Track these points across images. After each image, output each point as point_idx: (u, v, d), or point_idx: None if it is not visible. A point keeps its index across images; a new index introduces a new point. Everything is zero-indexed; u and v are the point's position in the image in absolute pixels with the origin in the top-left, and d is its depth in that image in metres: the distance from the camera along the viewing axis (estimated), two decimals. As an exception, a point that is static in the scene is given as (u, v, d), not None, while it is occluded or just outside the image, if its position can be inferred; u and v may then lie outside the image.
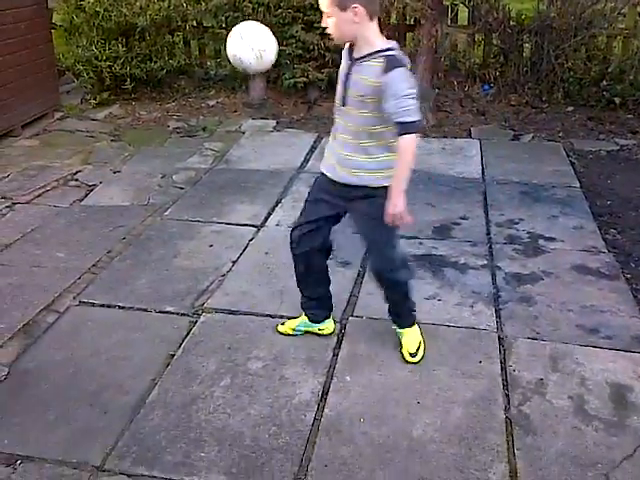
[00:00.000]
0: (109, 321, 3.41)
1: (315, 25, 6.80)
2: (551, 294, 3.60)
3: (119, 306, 3.54)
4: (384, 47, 2.58)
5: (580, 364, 3.03)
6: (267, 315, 3.41)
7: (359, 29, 2.58)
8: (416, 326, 3.16)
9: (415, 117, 2.53)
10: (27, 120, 6.59)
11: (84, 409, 2.78)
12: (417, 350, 3.07)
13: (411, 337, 3.12)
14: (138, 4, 6.91)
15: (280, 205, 4.76)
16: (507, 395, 2.84)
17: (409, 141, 2.54)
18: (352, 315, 3.42)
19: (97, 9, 6.85)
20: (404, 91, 2.50)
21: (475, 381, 2.92)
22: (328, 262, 3.20)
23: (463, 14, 7.86)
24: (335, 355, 3.10)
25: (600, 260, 3.97)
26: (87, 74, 7.16)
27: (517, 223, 4.48)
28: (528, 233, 4.33)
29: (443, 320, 3.36)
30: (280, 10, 6.90)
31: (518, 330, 3.29)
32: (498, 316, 3.40)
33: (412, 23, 7.50)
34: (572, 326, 3.32)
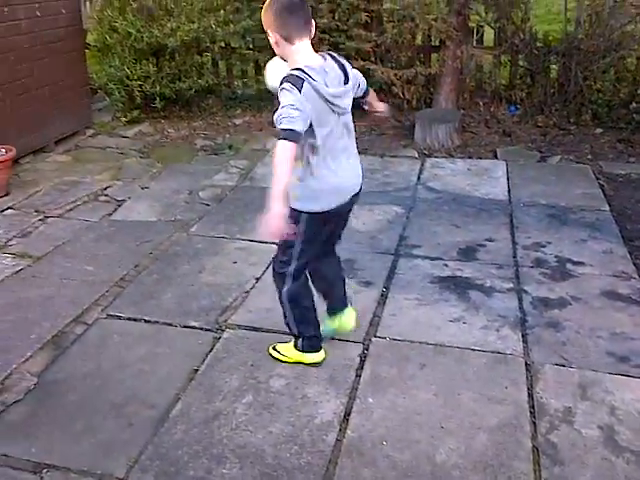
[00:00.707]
0: (135, 334, 3.45)
1: (340, 47, 6.87)
2: (580, 320, 3.55)
3: (145, 320, 3.58)
4: (295, 67, 2.66)
5: (610, 393, 2.96)
6: (290, 333, 3.41)
7: (282, 51, 2.76)
8: (295, 351, 3.18)
9: (284, 126, 2.52)
10: (60, 137, 6.74)
11: (109, 421, 2.81)
12: (281, 354, 3.20)
13: (285, 349, 3.22)
14: (169, 26, 7.03)
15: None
16: (534, 422, 2.79)
17: (278, 145, 2.54)
18: (375, 336, 3.41)
19: (130, 30, 6.99)
20: (282, 103, 2.57)
21: (501, 407, 2.88)
22: (350, 282, 3.25)
23: (489, 35, 7.87)
24: (358, 376, 3.10)
25: (631, 286, 3.90)
26: (118, 93, 7.30)
27: (544, 246, 4.44)
28: (556, 257, 4.29)
29: (468, 344, 3.33)
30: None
31: (545, 356, 3.24)
32: (525, 341, 3.36)
33: (437, 44, 7.53)
34: (602, 353, 3.25)
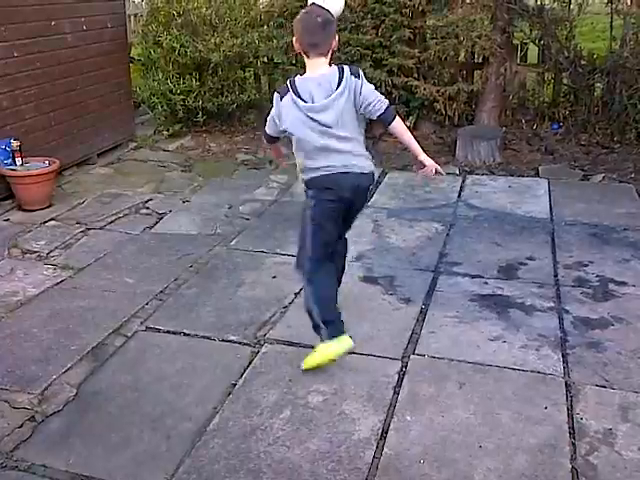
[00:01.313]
0: (174, 347, 3.48)
1: (384, 63, 6.89)
2: (621, 341, 3.48)
3: (184, 333, 3.61)
4: (297, 76, 3.12)
5: (651, 415, 2.91)
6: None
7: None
8: (322, 351, 3.16)
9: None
10: (103, 149, 6.88)
11: (147, 433, 2.83)
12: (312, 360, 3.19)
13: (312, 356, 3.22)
14: (213, 41, 7.14)
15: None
16: (573, 444, 2.74)
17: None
18: (414, 353, 3.38)
19: (174, 45, 7.12)
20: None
21: (540, 427, 2.83)
22: (390, 299, 3.48)
23: (533, 52, 7.81)
24: (396, 393, 3.07)
25: (674, 307, 3.83)
26: (161, 106, 7.44)
27: (586, 266, 4.37)
28: (598, 276, 4.21)
29: (508, 363, 3.28)
30: (350, 47, 7.01)
31: (586, 377, 3.18)
32: (565, 361, 3.30)
33: (480, 61, 7.50)
34: (644, 375, 3.19)
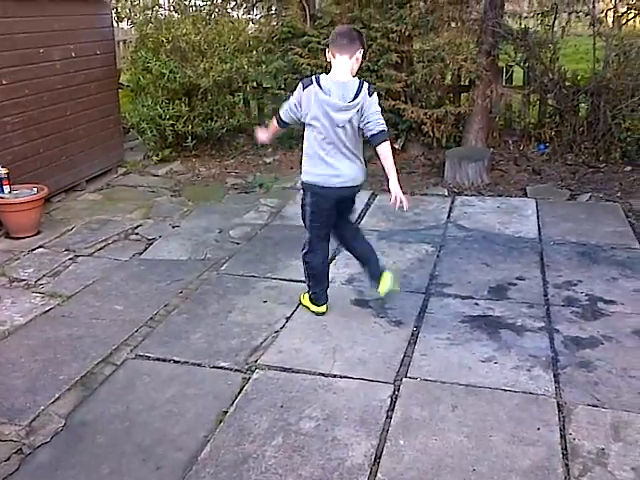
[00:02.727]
0: (164, 375, 3.45)
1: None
2: (612, 359, 3.49)
3: (174, 360, 3.58)
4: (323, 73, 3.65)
5: (644, 434, 2.91)
6: (320, 374, 3.39)
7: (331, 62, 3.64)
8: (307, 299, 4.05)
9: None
10: (92, 175, 6.88)
11: (137, 464, 2.80)
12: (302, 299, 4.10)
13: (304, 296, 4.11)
14: (202, 66, 7.19)
15: (334, 262, 4.77)
16: (567, 465, 2.73)
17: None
18: (406, 376, 3.37)
19: (163, 71, 7.15)
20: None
21: (533, 449, 2.82)
22: (381, 321, 3.89)
23: (518, 75, 7.91)
24: (389, 417, 3.05)
25: (663, 325, 3.84)
26: (151, 132, 7.45)
27: (575, 285, 4.38)
28: (587, 295, 4.23)
29: (500, 384, 3.28)
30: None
31: (578, 396, 3.18)
32: (557, 381, 3.30)
33: (467, 84, 7.59)
34: (634, 393, 3.19)
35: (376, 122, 3.55)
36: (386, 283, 3.86)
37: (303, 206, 3.88)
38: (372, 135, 3.57)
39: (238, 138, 8.21)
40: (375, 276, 3.92)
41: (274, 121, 3.87)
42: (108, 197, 6.55)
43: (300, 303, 4.14)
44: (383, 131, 3.56)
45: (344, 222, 3.96)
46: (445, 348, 3.63)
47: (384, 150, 3.58)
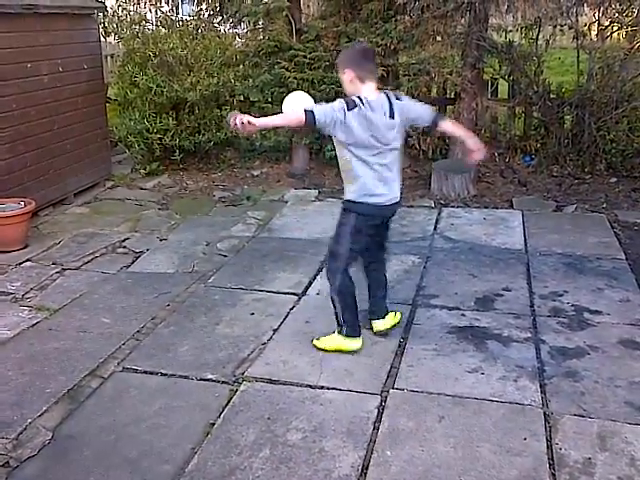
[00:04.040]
0: (151, 388, 3.44)
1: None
2: (598, 369, 3.52)
3: (161, 373, 3.58)
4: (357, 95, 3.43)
5: (630, 443, 2.92)
6: (307, 385, 3.40)
7: (354, 87, 3.43)
8: (336, 340, 3.73)
9: (314, 108, 3.33)
10: (80, 189, 6.86)
11: (124, 476, 2.79)
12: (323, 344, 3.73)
13: (326, 340, 3.76)
14: (189, 80, 7.21)
15: (321, 274, 4.79)
16: (553, 474, 2.75)
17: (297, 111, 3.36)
18: (393, 387, 3.38)
19: (150, 85, 7.17)
20: None
21: (520, 459, 2.84)
22: (368, 333, 3.78)
23: (504, 87, 7.98)
24: (376, 429, 3.06)
25: (648, 335, 3.87)
26: (138, 145, 7.45)
27: (561, 295, 4.42)
28: (573, 306, 4.26)
29: (487, 395, 3.29)
30: (324, 86, 7.13)
31: (564, 406, 3.20)
32: (543, 391, 3.32)
33: (452, 97, 7.65)
34: (620, 403, 3.22)
35: (423, 111, 3.65)
36: (385, 325, 3.88)
37: (343, 227, 3.60)
38: (431, 120, 3.66)
39: (225, 151, 8.23)
40: (372, 312, 3.92)
41: (292, 115, 3.42)
42: (96, 210, 6.54)
43: (324, 350, 3.72)
44: (437, 114, 3.75)
45: (381, 243, 3.87)
46: (432, 359, 3.64)
47: (448, 124, 3.74)
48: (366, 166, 3.41)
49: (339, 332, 3.69)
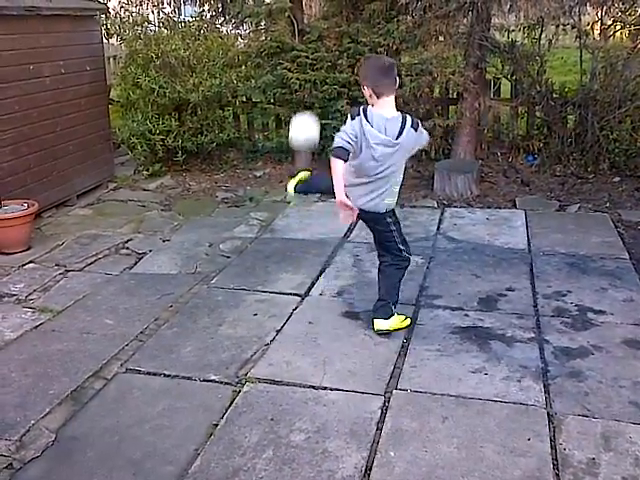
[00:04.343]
0: (154, 389, 3.44)
1: (359, 100, 6.98)
2: (602, 369, 3.50)
3: (164, 374, 3.58)
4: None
5: (634, 443, 2.91)
6: (310, 386, 3.40)
7: (371, 101, 3.57)
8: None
9: (336, 144, 3.48)
10: (83, 190, 6.87)
11: (128, 478, 2.79)
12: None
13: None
14: (191, 81, 7.22)
15: (324, 274, 4.80)
16: (557, 475, 2.74)
17: (332, 160, 3.49)
18: (396, 388, 3.38)
19: (153, 86, 7.18)
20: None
21: (524, 459, 2.83)
22: (371, 333, 3.85)
23: (506, 87, 7.97)
24: (379, 429, 3.06)
25: (652, 334, 3.86)
26: (141, 147, 7.46)
27: (565, 295, 4.41)
28: (576, 306, 4.25)
29: (490, 395, 3.28)
30: (326, 86, 7.13)
31: (568, 406, 3.19)
32: (547, 392, 3.32)
33: (455, 97, 7.64)
34: (625, 403, 3.20)
35: (424, 136, 3.79)
36: (391, 325, 3.91)
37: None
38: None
39: (228, 152, 8.24)
40: (377, 309, 3.95)
41: (337, 170, 3.49)
42: (99, 212, 6.55)
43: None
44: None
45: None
46: (435, 359, 3.64)
47: None
48: (358, 177, 3.64)
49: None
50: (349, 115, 3.57)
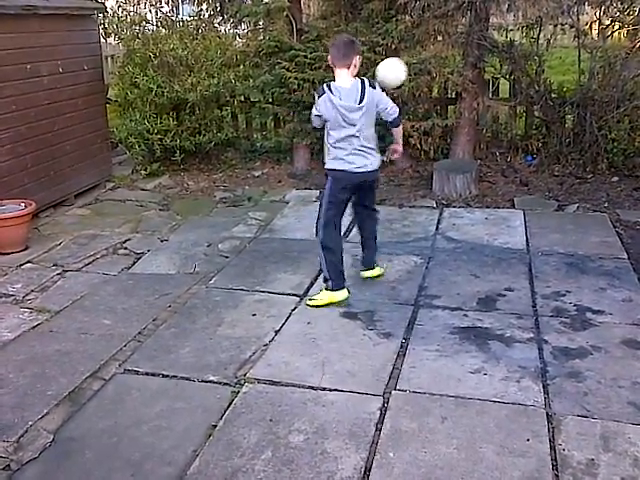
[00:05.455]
0: (153, 390, 3.43)
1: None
2: (601, 369, 3.50)
3: (163, 374, 3.57)
4: (330, 82, 4.14)
5: (633, 444, 2.91)
6: (309, 387, 3.39)
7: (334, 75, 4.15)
8: (326, 294, 4.30)
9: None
10: (80, 190, 6.86)
11: (126, 479, 2.77)
12: (316, 301, 4.29)
13: (318, 297, 4.34)
14: (189, 81, 7.20)
15: (322, 275, 4.78)
16: (557, 476, 2.74)
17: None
18: (395, 388, 3.37)
19: (151, 85, 7.16)
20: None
21: (523, 460, 2.82)
22: (370, 334, 3.86)
23: (505, 87, 7.97)
24: (378, 430, 3.05)
25: (651, 334, 3.86)
26: (139, 146, 7.45)
27: (564, 295, 4.40)
28: (575, 306, 4.25)
29: (489, 395, 3.28)
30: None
31: (567, 407, 3.19)
32: (546, 392, 3.31)
33: (454, 96, 7.64)
34: (624, 403, 3.20)
35: (392, 106, 4.17)
36: (371, 274, 4.67)
37: (324, 190, 4.32)
38: (393, 119, 4.22)
39: (226, 152, 8.23)
40: (362, 263, 4.71)
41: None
42: (96, 212, 6.54)
43: (318, 306, 4.26)
44: (399, 115, 4.24)
45: (362, 204, 4.50)
46: (434, 360, 3.63)
47: (398, 130, 4.38)
48: (338, 141, 4.10)
49: (326, 288, 4.30)
50: (315, 94, 4.14)
